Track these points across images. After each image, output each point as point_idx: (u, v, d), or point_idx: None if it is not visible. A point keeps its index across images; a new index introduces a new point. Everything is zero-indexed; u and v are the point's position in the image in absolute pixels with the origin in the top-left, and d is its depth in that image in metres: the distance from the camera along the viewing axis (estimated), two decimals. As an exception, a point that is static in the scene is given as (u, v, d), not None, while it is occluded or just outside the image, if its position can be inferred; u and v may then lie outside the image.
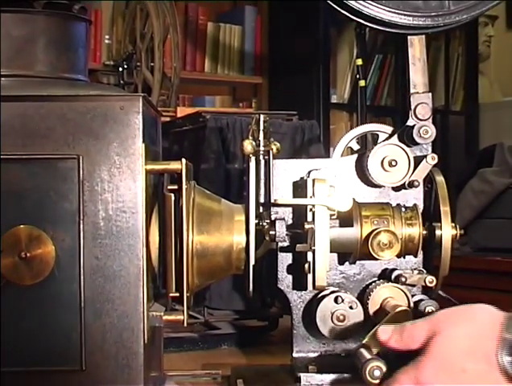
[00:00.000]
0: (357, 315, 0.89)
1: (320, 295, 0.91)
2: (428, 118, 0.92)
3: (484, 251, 2.44)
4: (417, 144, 0.93)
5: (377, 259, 0.89)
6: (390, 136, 0.96)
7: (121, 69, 2.69)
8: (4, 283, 0.84)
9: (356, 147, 1.02)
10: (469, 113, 3.99)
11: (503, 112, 3.82)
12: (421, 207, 0.94)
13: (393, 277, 0.92)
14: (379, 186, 0.95)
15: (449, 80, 3.93)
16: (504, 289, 2.30)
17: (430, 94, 0.94)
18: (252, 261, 0.91)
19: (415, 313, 0.88)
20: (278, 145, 0.96)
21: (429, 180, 0.94)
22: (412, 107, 0.93)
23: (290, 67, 3.58)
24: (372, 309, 0.90)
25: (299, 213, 0.91)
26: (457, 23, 0.93)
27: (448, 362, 0.66)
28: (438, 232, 0.90)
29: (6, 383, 0.84)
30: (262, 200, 0.93)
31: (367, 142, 1.12)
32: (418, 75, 0.94)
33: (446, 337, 0.67)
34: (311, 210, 0.88)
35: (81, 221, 0.84)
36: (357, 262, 0.94)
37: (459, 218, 2.29)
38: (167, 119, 1.81)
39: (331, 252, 0.88)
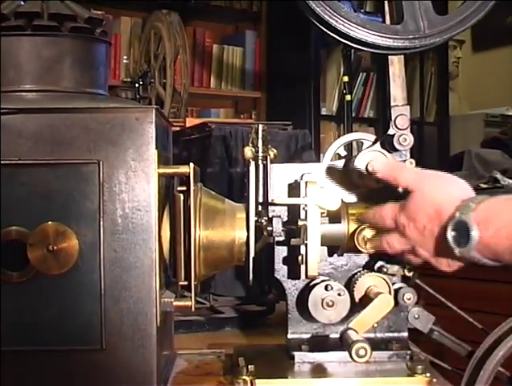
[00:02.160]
0: (344, 301, 0.88)
1: (311, 283, 0.90)
2: (407, 128, 0.91)
3: (454, 244, 2.43)
4: (397, 150, 0.92)
5: (362, 252, 0.89)
6: (374, 143, 0.95)
7: (137, 85, 2.69)
8: (34, 273, 0.83)
9: (343, 153, 1.01)
10: (441, 124, 3.99)
11: (470, 124, 3.83)
12: (400, 206, 0.93)
13: (376, 267, 0.91)
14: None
15: (423, 95, 3.93)
16: (471, 276, 2.30)
17: (408, 107, 0.93)
18: (252, 254, 0.90)
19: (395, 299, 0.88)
20: (275, 151, 0.95)
21: (407, 182, 0.93)
22: (393, 118, 0.92)
23: (285, 84, 3.58)
24: (357, 296, 0.89)
25: (294, 211, 0.90)
26: (431, 45, 0.92)
27: (416, 217, 0.77)
28: (415, 228, 0.90)
29: (37, 360, 0.83)
30: (260, 200, 0.93)
31: (353, 149, 1.12)
32: (397, 91, 0.93)
33: (419, 198, 0.78)
34: (304, 208, 0.87)
35: (101, 218, 0.83)
36: (345, 254, 0.93)
37: (433, 215, 2.28)
38: (177, 128, 1.80)
39: (321, 245, 0.88)
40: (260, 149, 0.93)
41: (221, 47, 3.71)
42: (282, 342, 0.95)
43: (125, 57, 3.42)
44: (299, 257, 0.87)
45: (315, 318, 0.89)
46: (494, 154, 2.51)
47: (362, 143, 0.99)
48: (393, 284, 0.90)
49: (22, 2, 0.92)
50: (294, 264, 0.89)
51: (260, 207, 0.92)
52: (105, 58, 0.96)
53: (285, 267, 0.94)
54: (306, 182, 0.88)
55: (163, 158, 0.87)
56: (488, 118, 3.72)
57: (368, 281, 0.90)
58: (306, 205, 0.87)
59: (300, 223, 0.86)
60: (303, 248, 0.86)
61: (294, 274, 0.92)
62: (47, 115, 0.84)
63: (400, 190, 0.81)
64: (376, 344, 0.90)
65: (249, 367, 0.86)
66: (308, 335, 0.94)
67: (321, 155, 1.02)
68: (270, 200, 0.92)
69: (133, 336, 0.83)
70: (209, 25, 3.74)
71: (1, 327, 0.82)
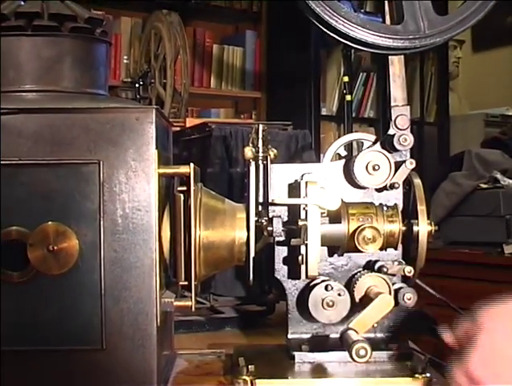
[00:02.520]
0: (344, 301, 0.88)
1: (311, 283, 0.90)
2: (407, 128, 0.91)
3: (454, 244, 2.44)
4: (397, 150, 0.92)
5: (362, 252, 0.89)
6: (374, 143, 0.95)
7: (137, 85, 2.69)
8: (34, 273, 0.83)
9: (343, 153, 1.01)
10: (441, 124, 4.00)
11: (470, 124, 3.84)
12: (401, 206, 0.94)
13: (376, 267, 0.91)
14: (364, 188, 0.94)
15: (424, 95, 3.94)
16: (471, 277, 2.31)
17: (408, 107, 0.93)
18: (252, 254, 0.90)
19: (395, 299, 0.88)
20: (275, 151, 0.95)
21: (408, 182, 0.94)
22: (393, 118, 0.92)
23: (285, 84, 3.58)
24: (358, 296, 0.89)
25: (294, 211, 0.90)
26: (431, 45, 0.92)
27: (493, 352, 0.65)
28: (415, 228, 0.90)
29: (37, 360, 0.83)
30: (261, 200, 0.93)
31: (353, 149, 1.12)
32: (397, 91, 0.94)
33: (489, 331, 0.66)
34: (304, 208, 0.87)
35: (102, 218, 0.83)
36: (345, 254, 0.93)
37: (432, 215, 2.29)
38: (178, 129, 1.79)
39: (321, 245, 0.88)
40: (260, 150, 0.93)
41: (221, 47, 3.71)
42: (283, 342, 0.95)
43: (125, 57, 3.42)
44: (300, 257, 0.87)
45: (315, 318, 0.89)
46: (494, 154, 2.51)
47: (362, 143, 0.99)
48: (393, 284, 0.90)
49: (23, 2, 0.92)
50: (294, 264, 0.89)
51: (260, 207, 0.92)
52: (105, 58, 0.96)
53: (285, 267, 0.94)
54: (306, 183, 0.88)
55: (163, 158, 0.87)
56: (488, 118, 3.73)
57: (368, 281, 0.90)
58: (306, 205, 0.87)
59: (300, 223, 0.86)
60: (303, 248, 0.86)
61: (294, 274, 0.92)
62: (48, 115, 0.84)
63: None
64: (376, 344, 0.90)
65: (250, 367, 0.86)
66: (308, 335, 0.94)
67: (321, 155, 1.02)
68: (270, 200, 0.92)
69: (133, 336, 0.83)
70: (209, 25, 3.75)
71: (1, 327, 0.82)
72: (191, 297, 0.88)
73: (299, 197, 0.88)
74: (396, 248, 0.93)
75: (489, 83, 4.01)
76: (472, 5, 0.90)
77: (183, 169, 0.88)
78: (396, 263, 0.92)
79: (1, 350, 0.81)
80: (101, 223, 0.83)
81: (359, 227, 0.88)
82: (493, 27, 3.68)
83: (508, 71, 3.95)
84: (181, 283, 0.89)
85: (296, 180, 0.93)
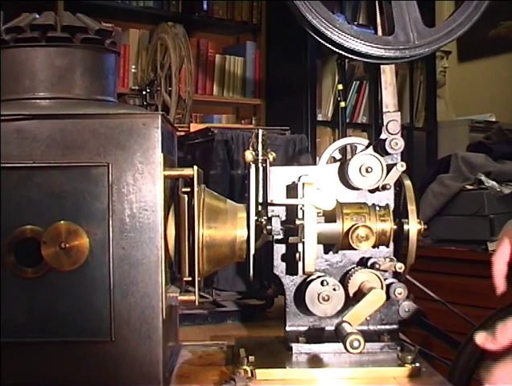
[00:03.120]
0: (339, 296, 0.88)
1: (308, 279, 0.90)
2: (398, 133, 0.91)
3: (442, 242, 2.44)
4: (388, 154, 0.92)
5: (355, 249, 0.88)
6: (367, 147, 0.95)
7: (144, 93, 2.69)
8: (47, 269, 0.83)
9: (338, 156, 1.01)
10: (430, 130, 4.00)
11: (457, 129, 3.84)
12: (392, 206, 0.93)
13: (369, 264, 0.91)
14: (357, 189, 0.94)
15: (413, 102, 3.94)
16: (458, 272, 2.31)
17: (399, 113, 0.93)
18: (252, 251, 0.90)
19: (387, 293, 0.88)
20: (274, 154, 0.95)
21: (398, 184, 0.93)
22: (384, 123, 0.92)
23: (283, 91, 3.58)
24: (351, 290, 0.89)
25: (292, 211, 0.90)
26: (420, 55, 0.92)
27: None
28: (406, 227, 0.89)
29: (50, 351, 0.83)
30: (260, 200, 0.92)
31: (347, 153, 1.12)
32: (389, 98, 0.93)
33: None
34: (301, 208, 0.87)
35: (110, 218, 0.83)
36: (340, 252, 0.93)
37: (422, 215, 2.28)
38: (182, 133, 1.79)
39: (317, 243, 0.87)
40: (260, 153, 0.93)
41: (223, 57, 3.71)
42: (281, 334, 0.95)
43: (133, 66, 3.42)
44: (297, 254, 0.86)
45: (311, 311, 0.88)
46: (479, 158, 2.52)
47: (356, 147, 0.99)
48: (385, 279, 0.90)
49: (37, 15, 0.92)
50: (292, 260, 0.89)
51: (260, 207, 0.92)
52: (114, 67, 0.96)
53: (283, 263, 0.93)
54: (303, 184, 0.87)
55: (168, 161, 0.87)
56: (473, 124, 3.73)
57: (361, 277, 0.90)
58: (303, 205, 0.87)
59: (298, 222, 0.86)
60: (300, 245, 0.86)
61: (292, 270, 0.92)
62: (60, 121, 0.84)
63: None
64: (369, 336, 0.89)
65: (250, 357, 0.86)
66: (305, 328, 0.94)
67: (317, 158, 1.02)
68: (269, 201, 0.92)
69: (140, 328, 0.83)
70: (212, 36, 3.75)
71: (10, 319, 0.81)
72: (194, 292, 0.87)
73: (297, 198, 0.88)
74: (388, 246, 0.92)
75: (473, 91, 4.02)
76: (459, 18, 0.90)
77: (187, 171, 0.87)
78: (388, 260, 0.91)
79: (15, 341, 0.81)
80: (110, 222, 0.83)
81: (353, 226, 0.88)
82: (478, 39, 3.69)
83: (491, 81, 3.95)
84: (185, 279, 0.88)
85: (294, 182, 0.92)
